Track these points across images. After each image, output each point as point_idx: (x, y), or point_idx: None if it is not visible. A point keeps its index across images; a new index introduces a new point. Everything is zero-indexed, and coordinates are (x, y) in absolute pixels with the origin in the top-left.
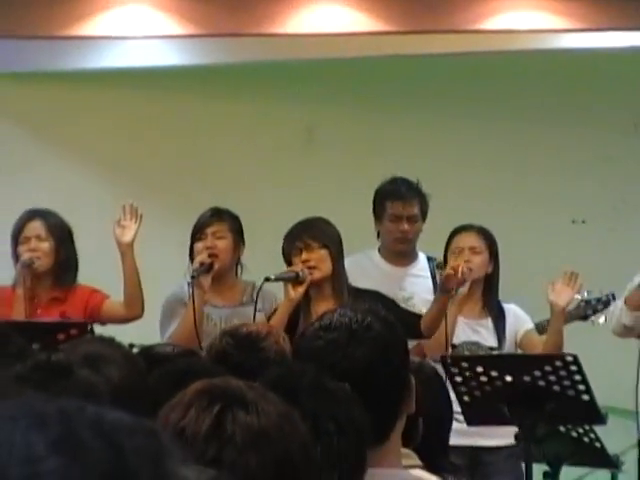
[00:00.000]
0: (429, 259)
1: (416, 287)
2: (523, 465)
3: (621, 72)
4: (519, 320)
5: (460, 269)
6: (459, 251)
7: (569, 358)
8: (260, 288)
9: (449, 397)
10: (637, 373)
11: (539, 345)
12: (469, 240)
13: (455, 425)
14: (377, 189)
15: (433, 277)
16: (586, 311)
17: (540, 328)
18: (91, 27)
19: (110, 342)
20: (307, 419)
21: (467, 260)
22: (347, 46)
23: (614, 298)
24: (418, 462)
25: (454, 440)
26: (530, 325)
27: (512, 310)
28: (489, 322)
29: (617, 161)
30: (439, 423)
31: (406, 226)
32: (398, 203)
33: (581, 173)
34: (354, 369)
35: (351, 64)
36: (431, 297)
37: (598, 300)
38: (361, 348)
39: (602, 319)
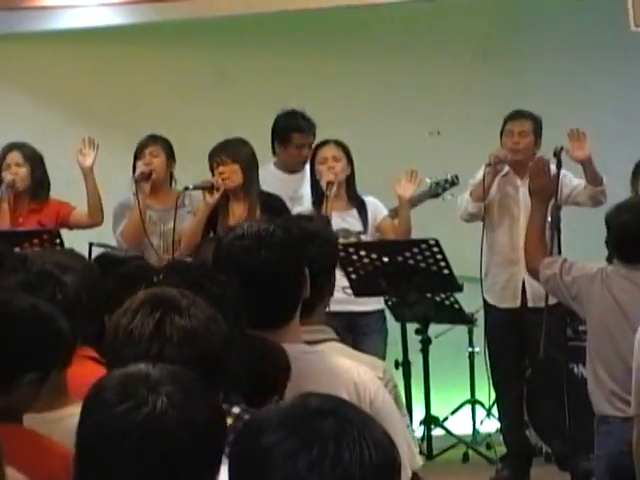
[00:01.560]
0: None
1: (304, 190)
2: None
3: (461, 13)
4: (377, 208)
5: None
6: (324, 160)
7: (432, 242)
8: (183, 195)
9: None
10: (480, 249)
11: (391, 229)
12: (330, 151)
13: (335, 295)
14: (279, 121)
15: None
16: (437, 190)
17: (392, 214)
18: None
19: (71, 252)
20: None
21: (331, 167)
22: (247, 3)
23: (457, 179)
24: (333, 335)
25: (333, 307)
26: (385, 212)
27: (371, 202)
28: (354, 212)
29: (463, 84)
30: None
31: (306, 152)
32: (302, 135)
33: (436, 94)
34: (264, 267)
35: (250, 19)
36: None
37: (445, 181)
38: (268, 251)
39: (449, 196)
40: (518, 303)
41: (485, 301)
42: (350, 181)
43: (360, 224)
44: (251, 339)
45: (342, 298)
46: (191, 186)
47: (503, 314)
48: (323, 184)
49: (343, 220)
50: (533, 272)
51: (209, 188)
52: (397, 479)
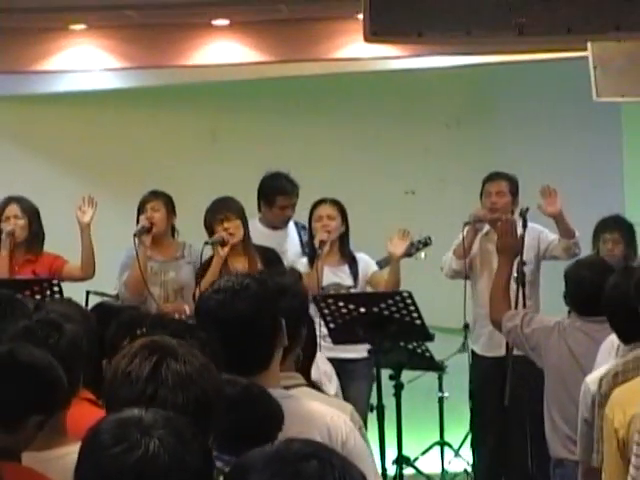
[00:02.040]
0: (296, 224)
1: (289, 245)
2: (374, 370)
3: (439, 84)
4: (368, 264)
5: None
6: (319, 218)
7: (405, 294)
8: (184, 247)
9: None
10: (464, 301)
11: (382, 282)
12: (325, 210)
13: (324, 344)
14: (265, 182)
15: (299, 237)
16: (411, 250)
17: (382, 263)
18: (51, 63)
19: (69, 302)
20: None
21: (325, 225)
22: (238, 70)
23: (430, 240)
24: (303, 381)
25: (326, 354)
26: (375, 267)
27: (362, 257)
28: (346, 267)
29: (437, 148)
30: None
31: (289, 212)
32: (285, 197)
33: (412, 157)
34: (238, 319)
35: (242, 84)
36: (298, 252)
37: (419, 242)
38: (241, 303)
39: (423, 255)
40: (503, 352)
41: (473, 352)
42: (344, 238)
43: (351, 279)
44: (247, 387)
45: (331, 346)
46: (210, 241)
47: (489, 362)
48: (316, 242)
49: (335, 275)
50: (496, 323)
51: (221, 242)
52: None
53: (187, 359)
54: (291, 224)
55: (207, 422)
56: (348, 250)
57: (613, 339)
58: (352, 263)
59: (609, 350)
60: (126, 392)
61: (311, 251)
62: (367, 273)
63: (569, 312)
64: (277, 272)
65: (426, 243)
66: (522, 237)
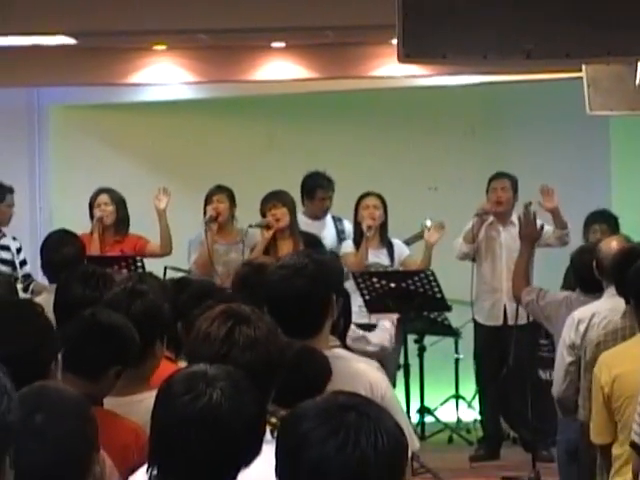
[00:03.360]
0: (332, 217)
1: (326, 233)
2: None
3: (459, 99)
4: (402, 249)
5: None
6: (366, 207)
7: (428, 272)
8: (246, 232)
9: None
10: (471, 280)
11: (415, 265)
12: (372, 201)
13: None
14: (306, 180)
15: (335, 227)
16: (415, 239)
17: (409, 241)
18: (138, 77)
19: (150, 275)
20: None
21: (371, 213)
22: (292, 85)
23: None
24: (338, 343)
25: (360, 320)
26: (408, 252)
27: (397, 243)
28: (385, 250)
29: (456, 152)
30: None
31: (327, 203)
32: (323, 190)
33: (435, 159)
34: (296, 293)
35: (294, 97)
36: (334, 238)
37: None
38: (300, 280)
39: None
40: (500, 322)
41: (475, 321)
42: (384, 226)
43: (389, 260)
44: (302, 348)
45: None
46: (253, 224)
47: (489, 331)
48: (364, 227)
49: (375, 256)
50: (517, 297)
51: (266, 226)
52: (405, 460)
53: (257, 325)
54: (328, 216)
55: (270, 379)
56: (386, 236)
57: (598, 308)
58: (390, 247)
59: (590, 314)
60: (205, 350)
61: (356, 235)
62: (401, 256)
63: (562, 288)
64: (318, 253)
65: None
66: (542, 227)
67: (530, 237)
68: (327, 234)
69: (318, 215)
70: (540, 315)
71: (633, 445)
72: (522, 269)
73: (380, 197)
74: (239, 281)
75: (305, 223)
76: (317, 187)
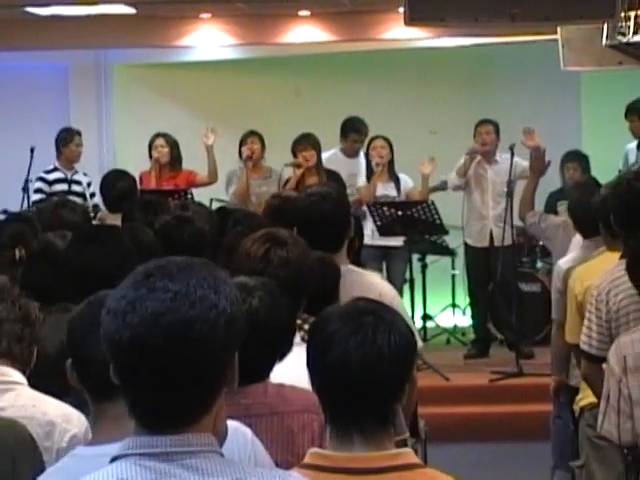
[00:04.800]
0: (365, 155)
1: (359, 169)
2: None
3: (454, 57)
4: (407, 182)
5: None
6: (374, 148)
7: (430, 202)
8: (282, 169)
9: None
10: (462, 208)
11: (416, 194)
12: (379, 142)
13: (374, 235)
14: (345, 122)
15: (366, 164)
16: (443, 186)
17: (437, 187)
18: (187, 40)
19: (199, 205)
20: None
21: (379, 152)
22: (316, 46)
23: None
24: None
25: (378, 242)
26: (411, 184)
27: (403, 177)
28: (392, 184)
29: (452, 101)
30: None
31: (359, 145)
32: (357, 134)
33: (435, 108)
34: (323, 215)
35: (317, 57)
36: (364, 173)
37: (445, 182)
38: (326, 204)
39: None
40: (487, 244)
41: (465, 243)
42: (391, 163)
43: (395, 192)
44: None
45: (378, 238)
46: (289, 163)
47: (477, 251)
48: (373, 164)
49: (384, 188)
50: (522, 219)
51: (297, 165)
52: (413, 356)
53: (290, 248)
54: (361, 154)
55: (300, 292)
56: (393, 171)
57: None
58: (396, 181)
59: (578, 242)
60: (246, 265)
61: (368, 172)
62: (406, 188)
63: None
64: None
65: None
66: (549, 163)
67: (539, 169)
68: (360, 170)
69: (352, 154)
70: (541, 235)
71: (583, 352)
72: (529, 195)
73: (386, 139)
74: (269, 210)
75: (341, 160)
76: (352, 131)
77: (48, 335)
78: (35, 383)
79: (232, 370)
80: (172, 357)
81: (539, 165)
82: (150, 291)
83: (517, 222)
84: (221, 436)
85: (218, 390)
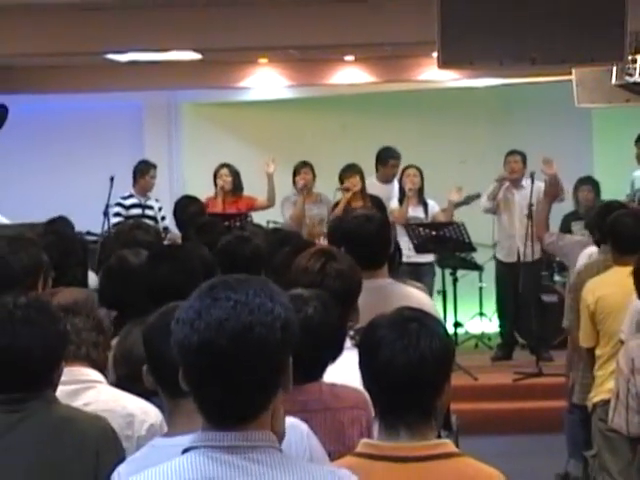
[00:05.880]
0: (398, 181)
1: (392, 194)
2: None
3: (482, 95)
4: (434, 207)
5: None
6: (408, 176)
7: (460, 223)
8: (334, 195)
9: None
10: (492, 228)
11: (441, 218)
12: (412, 171)
13: (409, 253)
14: (381, 152)
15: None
16: (467, 201)
17: (467, 200)
18: (247, 82)
19: (257, 225)
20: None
21: (412, 180)
22: (359, 87)
23: (479, 195)
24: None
25: (405, 259)
26: (438, 209)
27: (431, 203)
28: (421, 207)
29: (480, 134)
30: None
31: (396, 171)
32: (394, 160)
33: (463, 139)
34: (368, 235)
35: (361, 96)
36: (396, 197)
37: (471, 195)
38: (371, 225)
39: (478, 201)
40: (515, 259)
41: (496, 259)
42: (420, 190)
43: (424, 214)
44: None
45: (414, 254)
46: (339, 188)
47: (506, 265)
48: (407, 189)
49: (414, 211)
50: (539, 239)
51: (346, 189)
52: (452, 358)
53: (342, 261)
54: (395, 181)
55: (351, 301)
56: (422, 197)
57: (592, 250)
58: (424, 205)
59: (588, 254)
60: (304, 279)
61: (401, 196)
62: (433, 211)
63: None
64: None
65: (478, 196)
66: (562, 189)
67: (553, 195)
68: (393, 194)
69: (388, 179)
70: (559, 252)
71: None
72: (543, 217)
73: (418, 168)
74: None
75: (377, 186)
76: (390, 157)
77: (135, 342)
78: (124, 386)
79: (287, 371)
80: (235, 357)
81: (554, 191)
82: (214, 300)
83: None
84: (280, 435)
85: (275, 389)
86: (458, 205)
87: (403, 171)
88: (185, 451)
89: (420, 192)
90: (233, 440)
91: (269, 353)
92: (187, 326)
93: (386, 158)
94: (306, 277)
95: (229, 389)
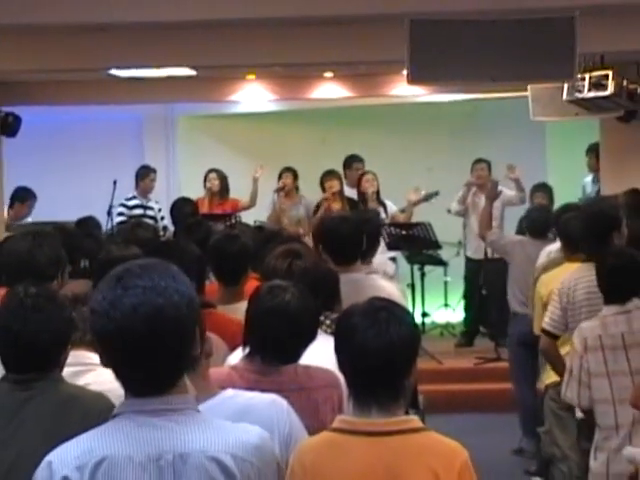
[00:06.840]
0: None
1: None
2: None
3: (448, 109)
4: (391, 207)
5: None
6: (366, 181)
7: (427, 223)
8: (301, 199)
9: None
10: (462, 228)
11: (399, 217)
12: (369, 176)
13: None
14: (347, 158)
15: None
16: (427, 198)
17: (401, 209)
18: (236, 96)
19: (244, 224)
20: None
21: (372, 184)
22: (337, 101)
23: (437, 193)
24: (374, 270)
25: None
26: (396, 209)
27: (389, 204)
28: (381, 208)
29: (446, 145)
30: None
31: (360, 172)
32: (357, 163)
33: (430, 150)
34: (344, 234)
35: (339, 109)
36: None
37: (430, 194)
38: (345, 226)
39: (433, 200)
40: (482, 256)
41: (466, 256)
42: (378, 192)
43: (384, 215)
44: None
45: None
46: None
47: (474, 262)
48: (368, 192)
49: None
50: (482, 237)
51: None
52: (418, 345)
53: (306, 258)
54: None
55: (323, 292)
56: (380, 198)
57: (551, 248)
58: (384, 206)
59: (547, 253)
60: (274, 278)
61: (360, 199)
62: (392, 211)
63: (517, 233)
64: (360, 211)
65: (436, 193)
66: (500, 192)
67: (492, 198)
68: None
69: (354, 184)
70: (501, 250)
71: (544, 330)
72: (486, 217)
73: (374, 173)
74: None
75: (347, 191)
76: (354, 161)
77: None
78: None
79: (196, 339)
80: (151, 338)
81: (493, 194)
82: (124, 290)
83: None
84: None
85: (188, 357)
86: (417, 203)
87: (361, 177)
88: (113, 417)
89: (377, 194)
90: (156, 405)
91: (180, 329)
92: (104, 317)
93: (351, 163)
94: (275, 276)
95: (148, 365)
